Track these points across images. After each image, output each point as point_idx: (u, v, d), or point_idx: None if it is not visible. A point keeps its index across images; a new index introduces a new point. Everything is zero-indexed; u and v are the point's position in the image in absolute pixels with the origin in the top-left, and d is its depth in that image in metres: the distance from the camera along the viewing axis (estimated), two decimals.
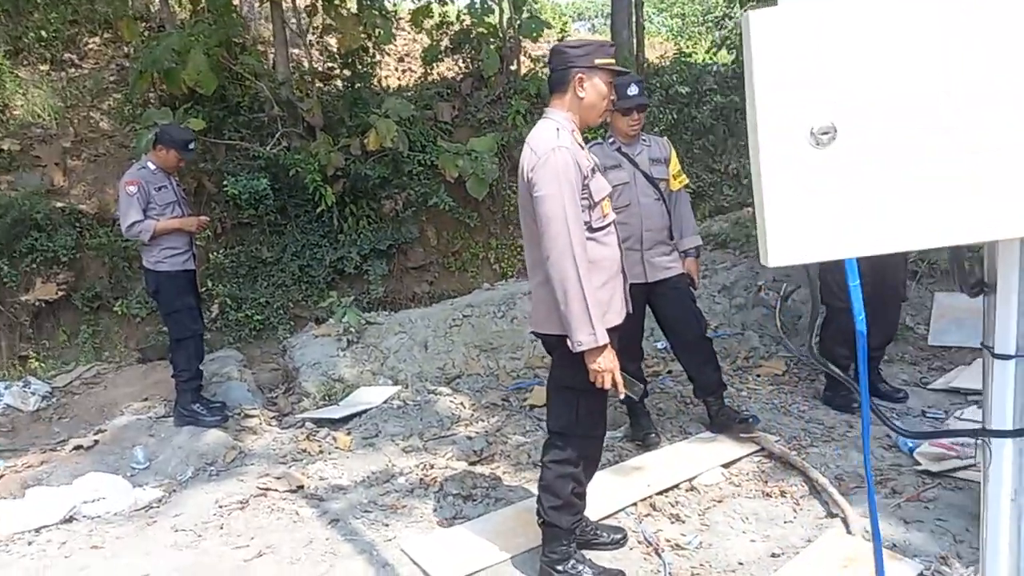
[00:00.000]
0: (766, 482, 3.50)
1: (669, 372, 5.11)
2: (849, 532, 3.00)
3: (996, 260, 0.99)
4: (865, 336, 1.04)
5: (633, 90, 3.70)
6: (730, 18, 11.50)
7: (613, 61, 2.67)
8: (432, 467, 3.96)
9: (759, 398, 4.54)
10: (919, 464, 3.46)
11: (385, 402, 4.89)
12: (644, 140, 3.90)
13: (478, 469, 3.91)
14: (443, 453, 4.13)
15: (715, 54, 11.28)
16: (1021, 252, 0.95)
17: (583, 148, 2.65)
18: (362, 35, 7.56)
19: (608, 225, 2.69)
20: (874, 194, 0.78)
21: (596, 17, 21.28)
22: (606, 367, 2.50)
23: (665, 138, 4.05)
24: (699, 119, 8.64)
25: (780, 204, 0.80)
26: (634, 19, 9.37)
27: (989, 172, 0.77)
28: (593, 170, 2.65)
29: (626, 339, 3.27)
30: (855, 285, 0.98)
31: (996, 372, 1.00)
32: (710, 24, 15.31)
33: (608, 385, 2.54)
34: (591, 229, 2.59)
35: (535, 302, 2.74)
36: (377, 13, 7.32)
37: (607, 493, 3.38)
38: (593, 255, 2.55)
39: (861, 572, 2.73)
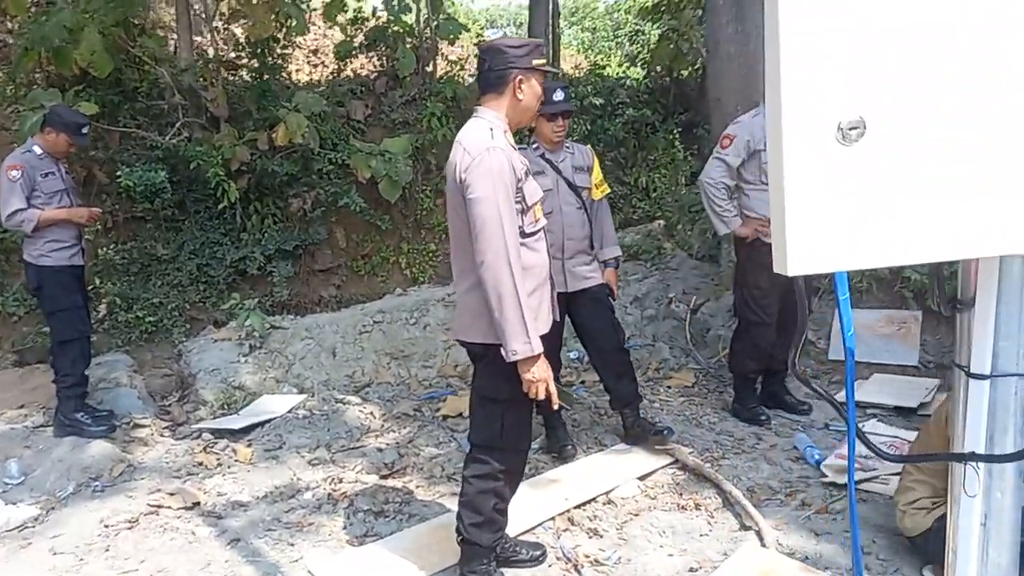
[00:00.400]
0: (681, 495, 3.52)
1: (582, 383, 5.09)
2: (763, 545, 3.04)
3: (973, 278, 0.97)
4: (854, 354, 0.99)
5: (559, 95, 3.66)
6: (642, 33, 11.74)
7: (547, 63, 2.62)
8: (340, 481, 3.78)
9: (671, 409, 4.58)
10: (826, 476, 3.56)
11: (290, 411, 4.65)
12: (568, 147, 3.87)
13: (390, 483, 3.75)
14: (352, 466, 3.94)
15: (626, 69, 11.49)
16: (1000, 270, 0.93)
17: (516, 150, 2.57)
18: (273, 24, 7.23)
19: (539, 231, 2.62)
20: (905, 197, 0.72)
21: (508, 25, 21.36)
22: (540, 376, 2.42)
23: (588, 146, 4.03)
24: (612, 131, 8.75)
25: (804, 207, 0.73)
26: (551, 29, 9.41)
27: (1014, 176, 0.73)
28: (527, 173, 2.57)
29: (546, 349, 3.21)
30: (845, 299, 0.93)
31: (972, 393, 0.97)
32: (621, 39, 15.60)
33: (542, 395, 2.46)
34: (523, 234, 2.52)
35: (460, 309, 2.64)
36: (289, 2, 7.01)
37: (524, 507, 3.30)
38: (525, 261, 2.47)
39: None
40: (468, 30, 9.76)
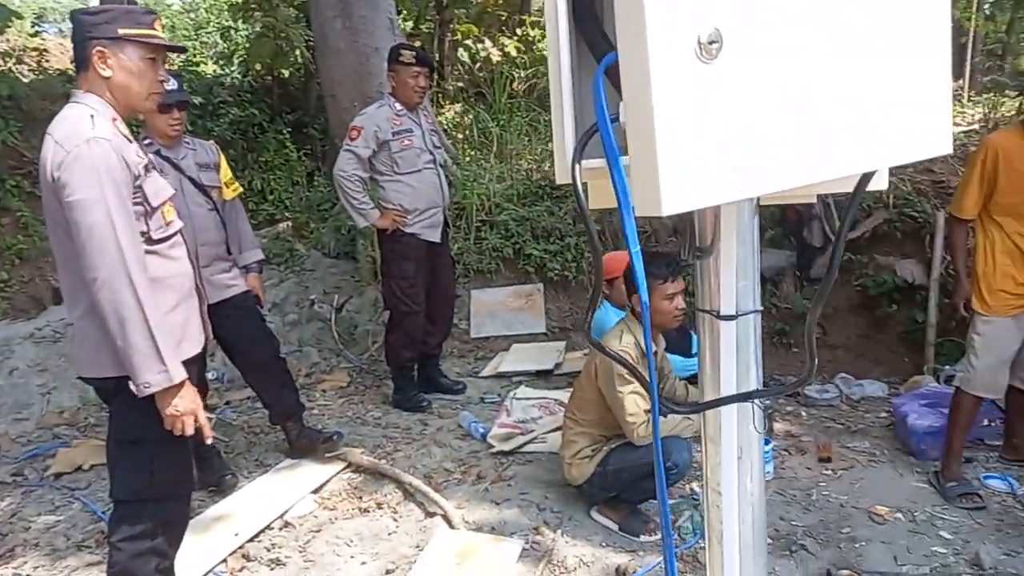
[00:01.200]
0: (361, 498, 3.37)
1: (228, 403, 4.62)
2: (452, 527, 3.05)
3: (711, 226, 1.00)
4: (648, 307, 0.95)
5: (171, 84, 3.18)
6: (236, 31, 11.10)
7: (150, 33, 2.14)
8: None
9: (332, 413, 4.40)
10: (493, 447, 3.72)
11: None
12: (188, 143, 3.42)
13: None
14: None
15: (223, 66, 10.77)
16: (738, 214, 0.98)
17: (132, 142, 2.14)
18: None
19: (174, 235, 2.23)
20: (772, 116, 0.68)
21: (63, 22, 18.55)
22: (186, 409, 2.04)
23: (212, 141, 3.62)
24: (217, 132, 8.10)
25: (673, 135, 0.64)
26: None
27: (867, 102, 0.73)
28: (147, 168, 2.16)
29: (194, 373, 2.80)
30: (636, 251, 0.88)
31: (723, 334, 1.02)
32: (207, 38, 14.57)
33: (190, 431, 2.08)
34: (151, 241, 2.11)
35: (78, 338, 2.13)
36: None
37: (189, 556, 2.84)
38: (158, 272, 2.08)
39: (477, 563, 2.78)
40: (22, 17, 8.17)
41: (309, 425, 3.85)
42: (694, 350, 4.08)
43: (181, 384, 2.01)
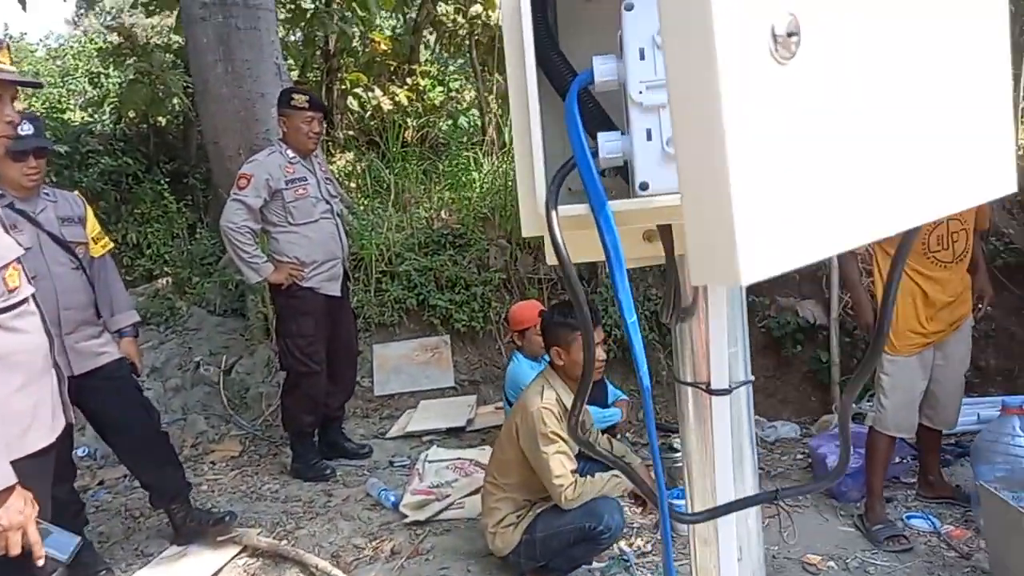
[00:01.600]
0: None
1: (101, 484, 4.11)
2: None
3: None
4: (650, 392, 0.77)
5: (26, 128, 2.82)
6: (107, 76, 10.47)
7: None
8: None
9: (224, 488, 3.97)
10: (406, 517, 3.43)
11: None
12: (48, 194, 3.03)
13: None
14: None
15: (92, 114, 10.10)
16: None
17: None
18: None
19: (22, 303, 1.87)
20: (849, 144, 0.50)
21: None
22: (11, 522, 1.62)
23: (76, 192, 3.24)
24: (86, 183, 7.50)
25: (753, 168, 0.45)
26: None
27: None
28: None
29: (58, 456, 2.39)
30: (633, 322, 0.71)
31: (715, 412, 0.85)
32: (74, 85, 13.69)
33: (15, 550, 1.64)
34: None
35: None
36: None
37: None
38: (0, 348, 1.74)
39: None
40: None
41: (197, 505, 3.44)
42: (610, 399, 3.97)
43: (9, 490, 1.63)
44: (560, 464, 2.65)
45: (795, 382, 4.81)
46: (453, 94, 9.79)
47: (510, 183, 6.16)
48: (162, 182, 8.22)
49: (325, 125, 4.18)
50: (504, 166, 6.58)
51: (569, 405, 2.76)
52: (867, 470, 3.19)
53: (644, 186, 0.72)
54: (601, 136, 0.76)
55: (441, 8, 8.97)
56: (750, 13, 0.45)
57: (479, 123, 8.70)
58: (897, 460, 3.54)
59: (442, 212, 6.18)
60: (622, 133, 0.75)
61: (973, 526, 3.09)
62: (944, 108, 0.58)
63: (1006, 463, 3.00)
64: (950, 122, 0.58)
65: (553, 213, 0.72)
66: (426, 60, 10.16)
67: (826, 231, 0.51)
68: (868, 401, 4.06)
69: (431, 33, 9.73)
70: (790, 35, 0.46)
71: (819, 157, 0.50)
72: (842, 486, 3.40)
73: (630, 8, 0.72)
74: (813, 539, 3.12)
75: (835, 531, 3.18)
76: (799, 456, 3.99)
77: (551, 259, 0.82)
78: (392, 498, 3.59)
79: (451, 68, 10.41)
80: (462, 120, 9.22)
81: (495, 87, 8.57)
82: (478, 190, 6.26)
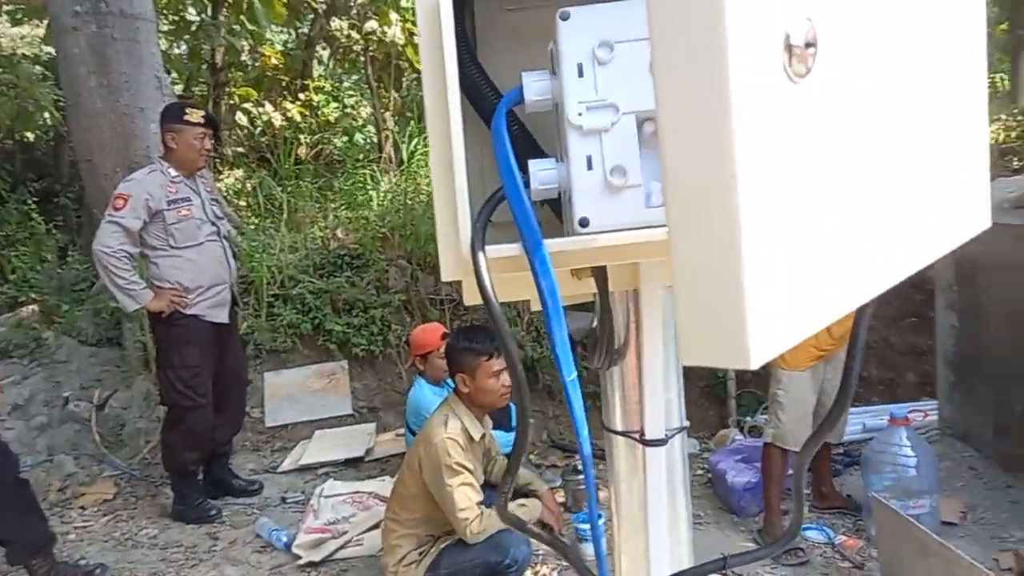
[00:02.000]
0: None
1: None
2: None
3: (624, 319, 0.77)
4: (591, 461, 0.68)
5: None
6: None
7: None
8: None
9: (95, 536, 3.63)
10: (300, 558, 3.23)
11: None
12: None
13: None
14: None
15: None
16: (664, 306, 0.76)
17: None
18: None
19: None
20: (860, 184, 0.43)
21: None
22: None
23: None
24: None
25: (765, 216, 0.36)
26: None
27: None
28: None
29: None
30: (572, 379, 0.62)
31: (651, 464, 0.78)
32: None
33: None
34: None
35: None
36: None
37: None
38: None
39: None
40: None
41: (63, 558, 3.12)
42: (514, 422, 3.89)
43: None
44: (465, 496, 2.55)
45: (693, 397, 4.90)
46: (348, 110, 9.57)
47: (409, 201, 6.03)
48: (29, 202, 7.63)
49: (212, 142, 3.95)
50: (403, 184, 6.45)
51: (475, 435, 2.67)
52: (764, 485, 3.25)
53: (584, 222, 0.63)
54: (533, 164, 0.66)
55: (335, 24, 8.78)
56: (765, 17, 0.36)
57: (376, 140, 8.54)
58: (789, 472, 3.63)
59: (338, 232, 5.99)
60: (557, 160, 0.67)
61: (865, 535, 3.20)
62: (936, 143, 0.53)
63: (894, 472, 3.12)
64: (942, 158, 0.54)
65: (481, 255, 0.62)
66: (320, 76, 9.91)
67: (838, 289, 0.44)
68: (763, 414, 4.16)
69: (324, 48, 9.51)
70: (807, 46, 0.38)
71: (829, 202, 0.42)
72: (741, 501, 3.45)
73: (566, 18, 0.63)
74: (714, 555, 3.13)
75: (735, 547, 3.21)
76: (699, 472, 4.03)
77: (469, 300, 0.73)
78: (284, 538, 3.37)
79: (346, 84, 10.18)
80: (358, 137, 9.02)
81: (391, 103, 8.43)
82: (376, 208, 6.10)
